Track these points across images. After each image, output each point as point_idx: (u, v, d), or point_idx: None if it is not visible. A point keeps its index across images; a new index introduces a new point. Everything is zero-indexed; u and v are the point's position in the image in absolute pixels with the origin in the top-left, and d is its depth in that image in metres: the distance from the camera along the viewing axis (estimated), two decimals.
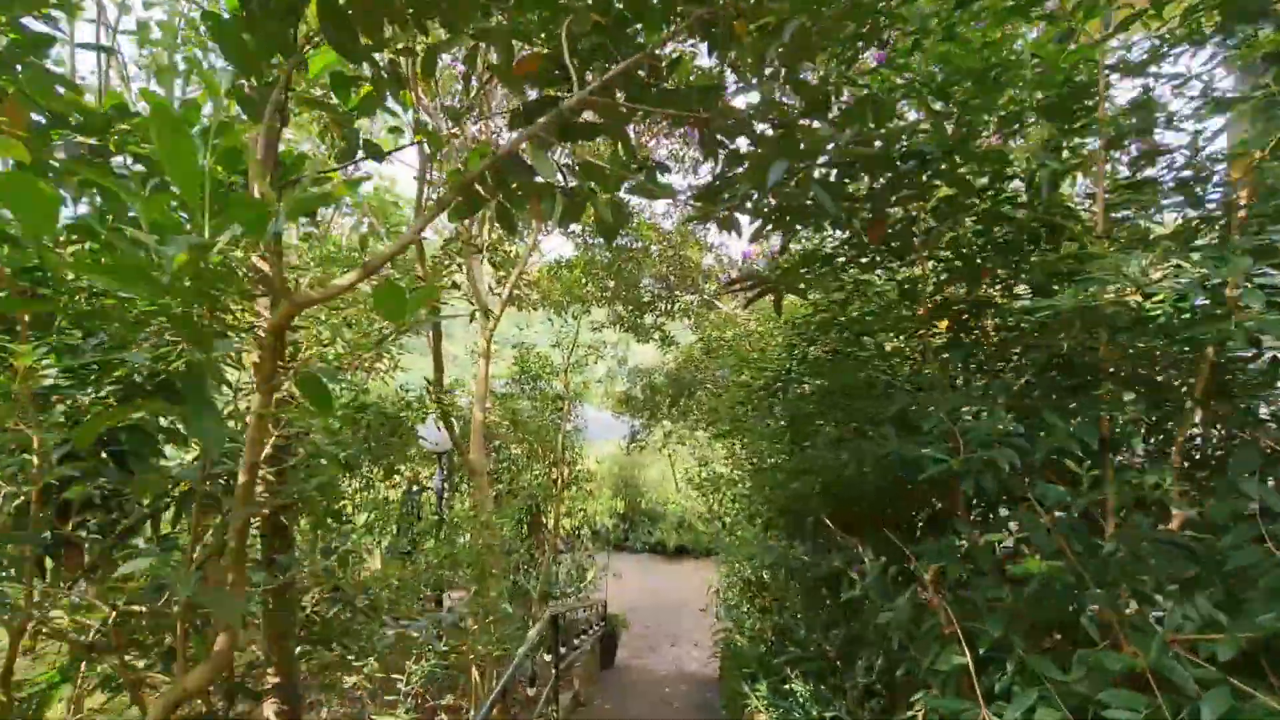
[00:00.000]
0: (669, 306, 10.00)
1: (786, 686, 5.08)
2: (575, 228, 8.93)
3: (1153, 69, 2.30)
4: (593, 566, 9.68)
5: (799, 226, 2.99)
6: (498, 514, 5.69)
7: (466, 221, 5.67)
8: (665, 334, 10.46)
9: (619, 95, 2.18)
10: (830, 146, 1.83)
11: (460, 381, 8.85)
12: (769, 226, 2.89)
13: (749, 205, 2.83)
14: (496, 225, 9.04)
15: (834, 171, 2.44)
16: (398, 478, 9.91)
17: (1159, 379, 2.08)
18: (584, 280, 8.66)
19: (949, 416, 1.86)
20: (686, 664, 9.75)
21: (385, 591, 2.96)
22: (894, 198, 2.18)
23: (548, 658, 5.22)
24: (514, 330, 9.59)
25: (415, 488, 9.68)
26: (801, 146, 1.81)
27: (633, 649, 10.48)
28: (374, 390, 9.15)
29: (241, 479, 1.36)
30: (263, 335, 1.39)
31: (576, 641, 6.79)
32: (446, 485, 6.73)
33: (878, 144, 2.09)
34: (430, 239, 7.05)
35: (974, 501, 2.50)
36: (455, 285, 3.67)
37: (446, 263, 3.96)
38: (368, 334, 7.88)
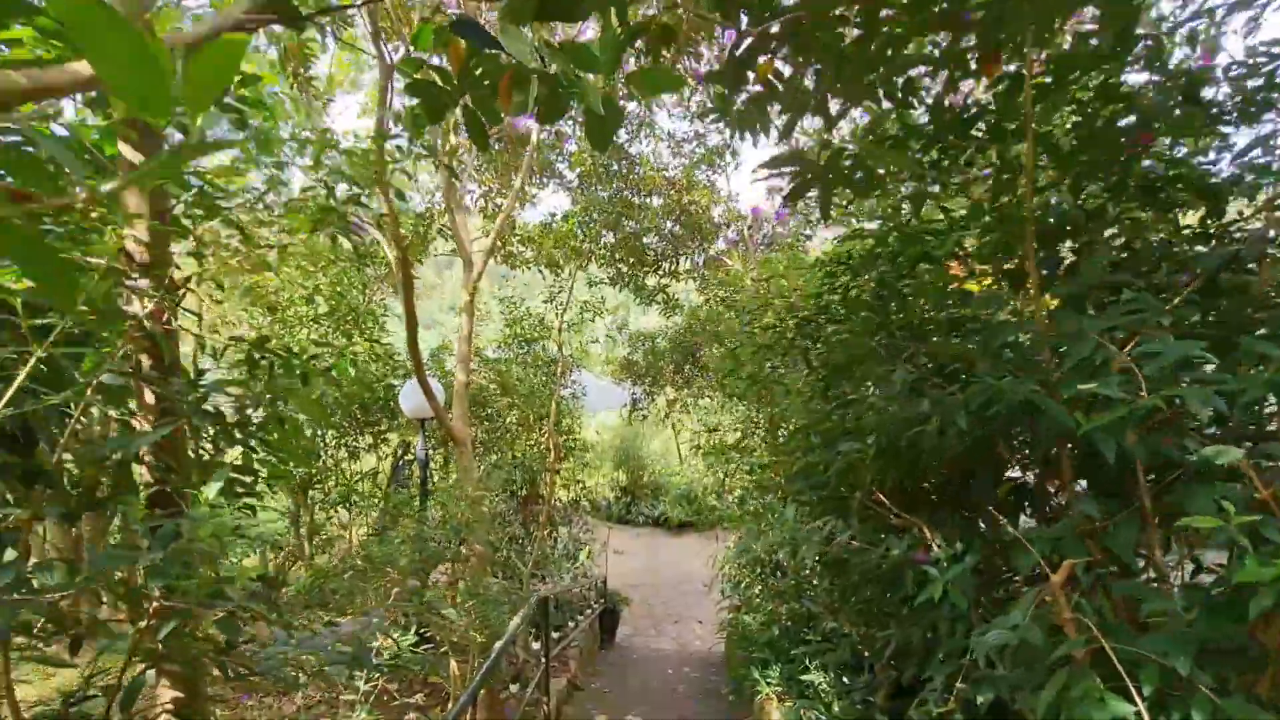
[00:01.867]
0: (673, 266, 9.27)
1: (805, 677, 4.54)
2: (570, 176, 8.18)
3: None
4: (591, 541, 9.18)
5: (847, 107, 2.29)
6: (483, 486, 5.10)
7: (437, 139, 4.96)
8: (669, 296, 9.76)
9: None
10: None
11: (447, 345, 8.22)
12: (808, 108, 2.20)
13: (781, 86, 2.15)
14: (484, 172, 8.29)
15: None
16: (385, 448, 9.36)
17: None
18: (579, 233, 7.94)
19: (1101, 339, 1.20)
20: (690, 642, 9.31)
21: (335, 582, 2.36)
22: (1016, 20, 1.48)
23: (536, 645, 4.69)
24: (502, 287, 8.91)
25: (406, 457, 9.11)
26: None
27: (635, 626, 10.05)
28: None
29: None
30: None
31: (572, 624, 6.28)
32: (429, 455, 6.14)
33: None
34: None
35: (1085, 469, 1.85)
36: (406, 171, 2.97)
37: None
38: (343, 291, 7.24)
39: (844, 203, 2.19)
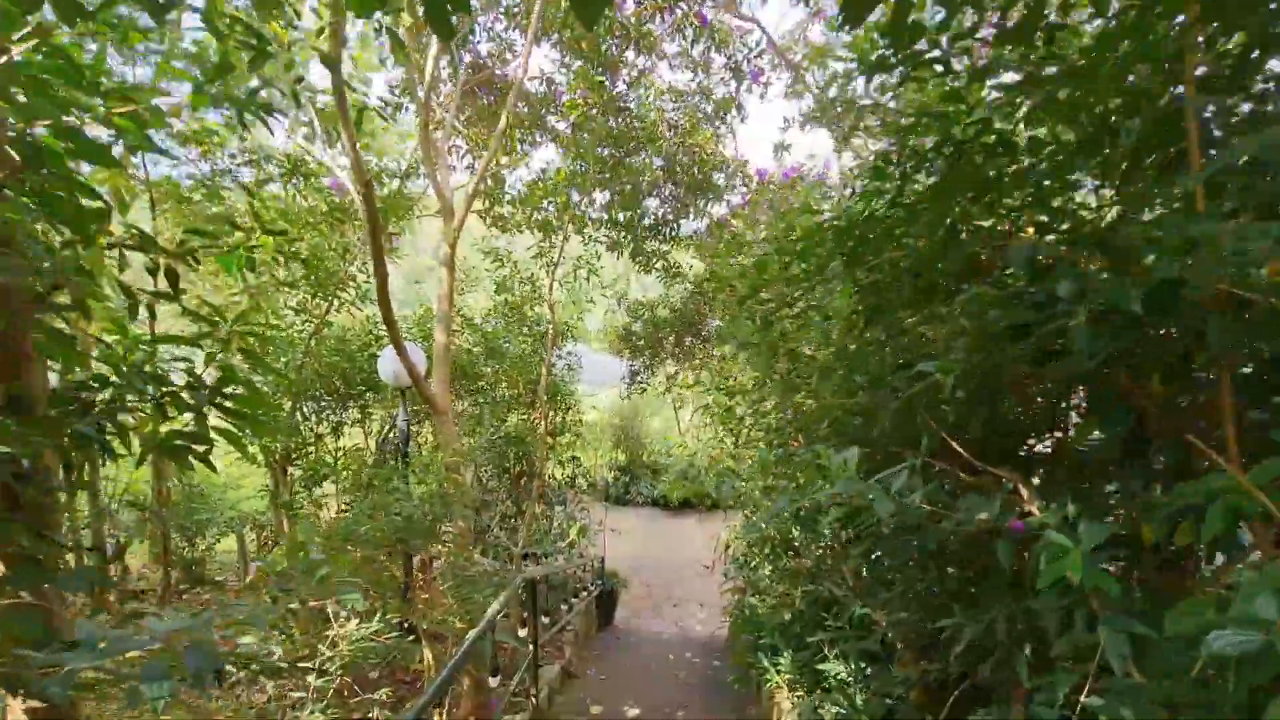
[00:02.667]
0: (673, 231, 8.68)
1: (823, 666, 4.10)
2: (563, 126, 7.57)
3: None
4: (586, 519, 8.73)
5: None
6: (461, 457, 4.61)
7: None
8: (669, 263, 9.18)
9: None
10: None
11: (430, 311, 7.68)
12: None
13: None
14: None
15: None
16: (371, 422, 8.86)
17: None
18: (571, 193, 7.36)
19: None
20: (691, 626, 8.91)
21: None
22: None
23: (524, 632, 4.23)
24: (488, 250, 8.33)
25: (391, 431, 8.62)
26: None
27: (633, 609, 9.65)
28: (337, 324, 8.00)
29: None
30: None
31: (566, 606, 5.82)
32: (409, 427, 5.65)
33: None
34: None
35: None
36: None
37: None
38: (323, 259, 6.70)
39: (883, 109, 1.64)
